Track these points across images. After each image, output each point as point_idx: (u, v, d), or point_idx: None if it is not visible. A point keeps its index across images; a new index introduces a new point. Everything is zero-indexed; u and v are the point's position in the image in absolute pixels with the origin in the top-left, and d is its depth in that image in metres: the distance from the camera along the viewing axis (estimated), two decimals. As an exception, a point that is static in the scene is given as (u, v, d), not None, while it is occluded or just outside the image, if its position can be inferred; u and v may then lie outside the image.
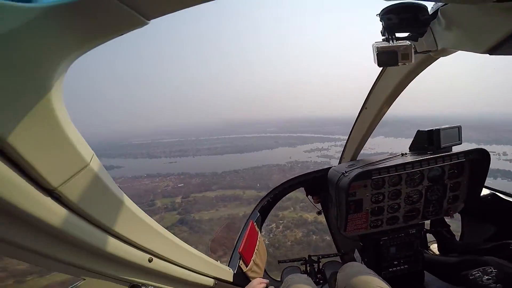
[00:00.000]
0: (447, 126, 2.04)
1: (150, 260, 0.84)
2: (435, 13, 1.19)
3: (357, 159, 2.43)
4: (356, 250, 2.36)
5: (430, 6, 1.20)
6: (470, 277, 1.36)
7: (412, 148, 2.21)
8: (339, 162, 2.56)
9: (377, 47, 1.19)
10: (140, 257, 0.81)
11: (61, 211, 0.55)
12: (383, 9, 1.15)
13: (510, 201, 2.10)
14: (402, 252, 2.13)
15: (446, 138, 2.03)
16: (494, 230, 2.21)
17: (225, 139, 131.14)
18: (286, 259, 2.36)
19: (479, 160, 2.01)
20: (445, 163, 1.96)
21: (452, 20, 1.15)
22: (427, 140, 2.05)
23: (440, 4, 1.16)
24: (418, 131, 2.14)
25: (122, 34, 0.53)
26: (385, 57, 1.19)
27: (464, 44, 1.17)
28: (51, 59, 0.47)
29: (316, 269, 2.30)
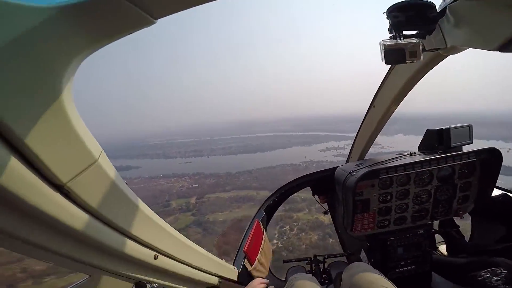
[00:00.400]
0: (457, 125, 1.99)
1: (155, 257, 0.85)
2: (443, 10, 1.18)
3: (364, 158, 2.42)
4: (362, 250, 2.37)
5: (438, 3, 1.20)
6: (479, 278, 1.35)
7: (421, 147, 2.17)
8: (347, 161, 2.55)
9: (384, 45, 1.19)
10: (146, 254, 0.81)
11: (70, 207, 0.56)
12: (390, 6, 1.15)
13: None
14: (410, 252, 2.10)
15: (456, 137, 1.98)
16: (504, 231, 2.16)
17: (239, 138, 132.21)
18: (291, 258, 2.35)
19: (490, 160, 1.96)
20: (455, 162, 1.92)
21: (461, 17, 1.14)
22: (437, 140, 2.02)
23: (448, 1, 1.15)
24: (428, 130, 2.11)
25: (130, 33, 0.54)
26: (392, 55, 1.19)
27: (474, 41, 1.15)
28: (62, 58, 0.48)
29: (321, 269, 2.28)
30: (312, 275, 2.18)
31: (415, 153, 2.14)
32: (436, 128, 2.02)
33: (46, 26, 0.44)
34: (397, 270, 2.09)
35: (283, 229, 21.76)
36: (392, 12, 1.15)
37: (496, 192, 2.12)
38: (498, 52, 1.04)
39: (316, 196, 2.58)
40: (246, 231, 1.83)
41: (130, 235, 0.74)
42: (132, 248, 0.75)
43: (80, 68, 0.53)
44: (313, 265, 2.30)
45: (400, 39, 1.20)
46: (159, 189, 44.69)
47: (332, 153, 74.71)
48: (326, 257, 2.34)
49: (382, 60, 1.23)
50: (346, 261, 2.57)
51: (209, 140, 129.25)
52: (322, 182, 2.46)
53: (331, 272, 2.30)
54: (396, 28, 1.19)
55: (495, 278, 1.32)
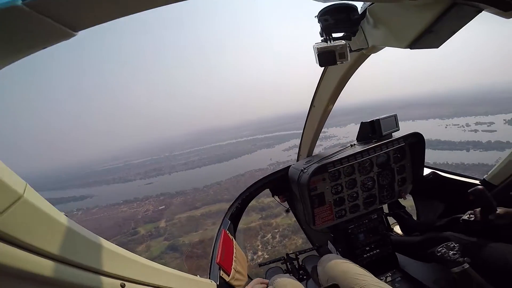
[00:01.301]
0: (385, 115, 2.28)
1: (122, 286, 0.80)
2: (364, 12, 1.30)
3: (312, 154, 2.56)
4: (329, 241, 2.51)
5: (359, 6, 1.32)
6: (438, 254, 1.46)
7: (359, 138, 2.40)
8: (297, 160, 2.66)
9: (317, 48, 1.26)
10: (110, 284, 0.77)
11: (3, 247, 0.53)
12: (320, 10, 1.24)
13: (448, 177, 2.33)
14: (370, 237, 2.29)
15: (386, 126, 2.26)
16: (443, 206, 2.44)
17: (201, 150, 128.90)
18: (266, 261, 2.44)
19: (416, 143, 2.26)
20: (389, 148, 2.18)
21: (378, 18, 1.27)
22: (371, 130, 2.27)
23: (368, 3, 1.28)
24: (362, 123, 2.34)
25: (48, 46, 0.52)
26: (325, 57, 1.27)
27: (390, 40, 1.29)
28: None
29: (297, 266, 2.39)
30: (290, 273, 2.34)
31: (354, 144, 2.35)
32: (368, 120, 2.28)
33: None
34: (365, 256, 2.24)
35: (265, 238, 21.72)
36: (322, 16, 1.24)
37: (426, 171, 2.40)
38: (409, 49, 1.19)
39: (276, 196, 2.69)
40: (215, 243, 1.82)
41: (85, 266, 0.70)
42: (92, 280, 0.71)
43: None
44: (288, 263, 2.41)
45: (330, 41, 1.30)
46: (122, 216, 41.50)
47: (295, 151, 75.27)
48: (298, 253, 2.47)
49: (316, 63, 1.32)
50: (317, 254, 2.68)
51: (168, 157, 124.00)
52: (279, 182, 2.56)
53: (306, 267, 2.40)
54: (326, 31, 1.29)
55: (452, 252, 1.44)
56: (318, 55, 1.26)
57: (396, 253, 2.34)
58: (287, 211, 2.76)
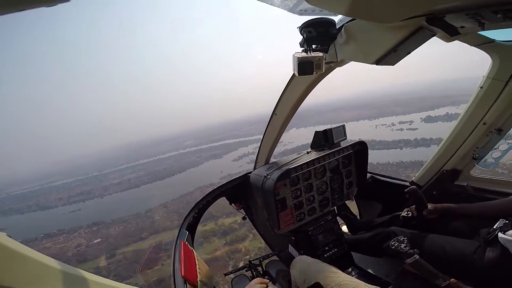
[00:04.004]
0: (336, 125, 2.63)
1: None
2: (340, 28, 1.45)
3: (269, 162, 2.75)
4: (289, 245, 2.66)
5: (336, 21, 1.46)
6: (392, 247, 1.65)
7: (313, 146, 2.68)
8: (254, 167, 2.79)
9: (298, 57, 1.36)
10: None
11: None
12: (304, 22, 1.37)
13: (384, 180, 2.82)
14: (328, 237, 2.55)
15: (336, 135, 2.59)
16: (381, 206, 2.87)
17: (137, 166, 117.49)
18: (230, 270, 2.58)
19: (361, 150, 2.65)
20: (340, 155, 2.51)
21: (351, 35, 1.43)
22: (323, 138, 2.59)
23: (345, 20, 1.42)
24: (316, 132, 2.64)
25: (36, 7, 0.50)
26: (304, 67, 1.37)
27: (358, 56, 1.47)
28: None
29: (261, 272, 2.53)
30: None
31: (310, 151, 2.62)
32: (322, 130, 2.59)
33: None
34: (325, 255, 2.47)
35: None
36: (307, 28, 1.36)
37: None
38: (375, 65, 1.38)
39: (232, 204, 2.82)
40: (174, 256, 1.84)
41: None
42: None
43: None
44: (252, 270, 2.52)
45: (310, 52, 1.39)
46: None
47: (245, 161, 78.15)
48: (261, 259, 2.62)
49: (295, 71, 1.41)
50: (278, 259, 2.85)
51: (98, 176, 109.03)
52: (236, 190, 2.69)
53: (270, 271, 2.53)
54: (308, 42, 1.40)
55: (403, 245, 1.62)
56: (298, 64, 1.35)
57: (350, 251, 2.62)
58: (243, 218, 2.92)
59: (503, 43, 1.81)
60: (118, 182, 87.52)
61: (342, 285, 1.49)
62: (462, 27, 1.22)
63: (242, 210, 2.88)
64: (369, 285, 1.51)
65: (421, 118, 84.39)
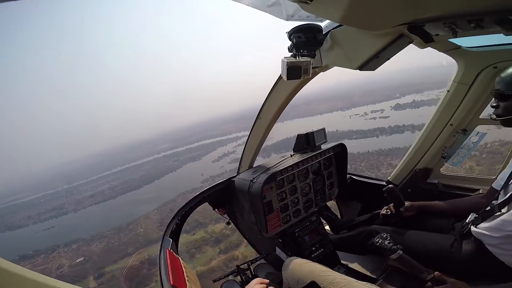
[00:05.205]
0: (316, 129, 2.71)
1: None
2: (326, 34, 1.52)
3: (253, 166, 2.79)
4: (276, 247, 2.71)
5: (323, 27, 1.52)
6: (377, 244, 1.69)
7: (296, 149, 2.76)
8: (238, 171, 2.83)
9: (287, 62, 1.40)
10: None
11: None
12: (294, 28, 1.43)
13: (362, 180, 2.98)
14: (314, 238, 2.62)
15: (317, 138, 2.68)
16: (360, 205, 3.00)
17: (110, 175, 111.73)
18: (219, 276, 2.56)
19: (340, 152, 2.77)
20: (322, 157, 2.61)
21: (337, 42, 1.51)
22: (306, 142, 2.67)
23: (331, 27, 1.49)
24: (298, 135, 2.73)
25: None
26: (292, 71, 1.42)
27: (342, 61, 1.56)
28: None
29: (250, 276, 2.57)
30: (245, 284, 2.51)
31: (293, 154, 2.69)
32: (304, 133, 2.66)
33: None
34: (312, 256, 2.51)
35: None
36: (296, 33, 1.41)
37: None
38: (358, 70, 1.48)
39: (216, 209, 2.84)
40: (160, 265, 1.81)
41: None
42: None
43: None
44: (241, 274, 2.54)
45: (298, 57, 1.45)
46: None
47: (226, 160, 76.08)
48: (249, 264, 2.65)
49: (283, 76, 1.45)
50: (266, 262, 2.90)
51: (68, 189, 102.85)
52: (219, 195, 2.70)
53: (259, 275, 2.57)
54: (297, 47, 1.44)
55: (387, 241, 1.65)
56: (287, 68, 1.41)
57: (335, 250, 2.70)
58: (228, 223, 2.95)
59: (468, 49, 1.96)
60: (91, 194, 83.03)
61: (335, 283, 1.53)
62: (437, 34, 1.37)
63: (226, 215, 2.90)
64: (360, 282, 1.54)
65: (390, 106, 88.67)
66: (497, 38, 1.79)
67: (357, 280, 1.54)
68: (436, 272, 1.46)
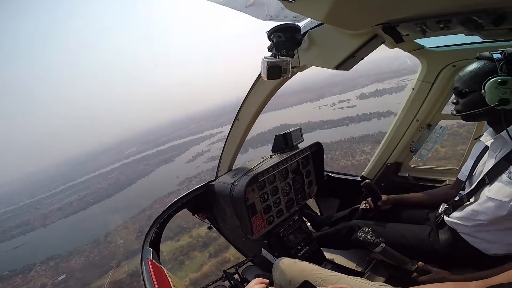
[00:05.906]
0: (293, 129, 2.77)
1: None
2: (304, 34, 1.57)
3: (232, 168, 2.76)
4: (263, 249, 2.67)
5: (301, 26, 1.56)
6: (360, 239, 1.72)
7: (274, 149, 2.79)
8: (216, 175, 2.78)
9: (268, 62, 1.43)
10: None
11: None
12: (274, 27, 1.46)
13: (337, 177, 3.06)
14: (298, 237, 2.61)
15: (295, 138, 2.74)
16: (338, 201, 3.06)
17: (76, 186, 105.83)
18: (207, 283, 2.51)
19: (317, 150, 2.81)
20: (300, 157, 2.63)
21: (314, 42, 1.56)
22: (283, 142, 2.71)
23: (309, 26, 1.55)
24: (276, 136, 2.77)
25: None
26: (272, 71, 1.46)
27: (320, 61, 1.62)
28: None
29: (239, 280, 2.55)
30: None
31: (272, 155, 2.71)
32: (281, 133, 2.72)
33: None
34: (299, 254, 2.50)
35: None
36: (276, 32, 1.45)
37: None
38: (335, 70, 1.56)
39: (196, 215, 2.80)
40: (143, 277, 1.79)
41: None
42: None
43: None
44: (229, 279, 2.50)
45: (278, 57, 1.49)
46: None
47: (202, 160, 75.19)
48: (237, 267, 2.61)
49: (264, 76, 1.48)
50: (253, 264, 2.87)
51: (31, 203, 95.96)
52: (198, 200, 2.65)
53: (247, 278, 2.57)
54: (277, 47, 1.49)
55: (369, 235, 1.69)
56: (268, 68, 1.43)
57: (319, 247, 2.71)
58: (209, 227, 2.91)
59: (430, 49, 2.06)
60: (58, 207, 78.42)
61: (327, 281, 1.52)
62: (407, 35, 1.42)
63: (206, 220, 2.87)
64: (351, 277, 1.54)
65: (356, 96, 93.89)
66: (456, 38, 1.93)
67: (348, 276, 1.56)
68: (420, 263, 1.53)
